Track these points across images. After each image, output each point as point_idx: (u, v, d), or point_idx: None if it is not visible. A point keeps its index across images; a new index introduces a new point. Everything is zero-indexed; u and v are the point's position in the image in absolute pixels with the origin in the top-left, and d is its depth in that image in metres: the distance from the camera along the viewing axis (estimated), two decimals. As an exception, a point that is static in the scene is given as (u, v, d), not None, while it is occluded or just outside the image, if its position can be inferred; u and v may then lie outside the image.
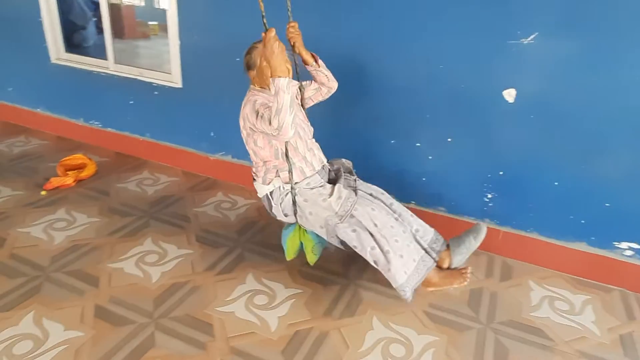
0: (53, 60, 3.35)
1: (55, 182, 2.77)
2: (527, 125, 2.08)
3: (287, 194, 1.88)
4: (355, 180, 2.00)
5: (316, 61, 1.95)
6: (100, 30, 5.70)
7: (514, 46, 1.98)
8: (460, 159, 2.30)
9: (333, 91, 2.06)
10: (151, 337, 1.72)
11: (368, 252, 1.77)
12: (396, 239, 1.79)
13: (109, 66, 3.12)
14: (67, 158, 3.02)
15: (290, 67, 1.66)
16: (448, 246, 1.93)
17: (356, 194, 1.90)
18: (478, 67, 2.09)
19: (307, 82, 2.05)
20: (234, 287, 2.01)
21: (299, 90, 2.01)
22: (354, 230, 1.77)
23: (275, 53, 1.59)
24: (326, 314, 1.89)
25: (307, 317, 1.87)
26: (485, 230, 1.92)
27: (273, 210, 1.93)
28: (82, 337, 1.70)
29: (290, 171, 1.85)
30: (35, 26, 3.27)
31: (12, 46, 3.52)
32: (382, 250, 1.76)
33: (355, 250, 1.81)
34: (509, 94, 2.07)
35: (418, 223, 1.96)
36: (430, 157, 2.35)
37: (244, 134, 1.88)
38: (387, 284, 2.07)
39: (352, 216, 1.80)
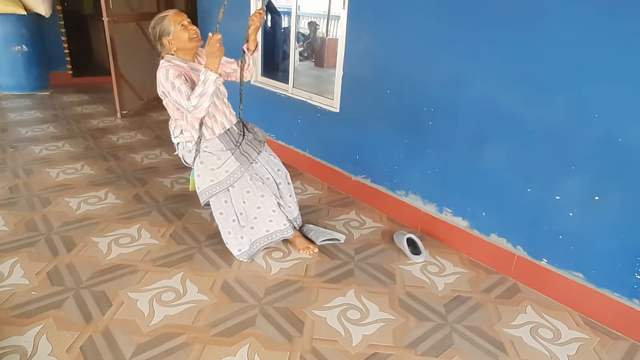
0: (252, 81, 4.11)
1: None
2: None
3: (189, 151, 2.34)
4: (259, 152, 2.42)
5: (254, 51, 2.35)
6: (303, 57, 6.60)
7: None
8: (609, 222, 1.99)
9: (244, 80, 2.46)
10: (254, 317, 2.01)
11: (220, 221, 2.38)
12: (255, 216, 2.34)
13: (288, 89, 3.68)
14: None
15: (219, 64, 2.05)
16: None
17: (251, 161, 2.34)
18: (641, 120, 1.81)
19: (232, 60, 2.42)
20: (334, 297, 2.17)
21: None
22: (224, 201, 2.33)
23: (216, 53, 2.00)
24: (410, 346, 1.89)
25: (390, 344, 1.90)
26: (341, 240, 2.64)
27: (178, 155, 2.43)
28: (207, 301, 2.10)
29: (199, 129, 2.26)
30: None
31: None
32: (237, 224, 2.36)
33: (214, 215, 2.40)
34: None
35: (293, 204, 2.58)
36: (571, 214, 2.10)
37: (159, 93, 2.21)
38: (486, 337, 1.95)
39: (227, 190, 2.30)
